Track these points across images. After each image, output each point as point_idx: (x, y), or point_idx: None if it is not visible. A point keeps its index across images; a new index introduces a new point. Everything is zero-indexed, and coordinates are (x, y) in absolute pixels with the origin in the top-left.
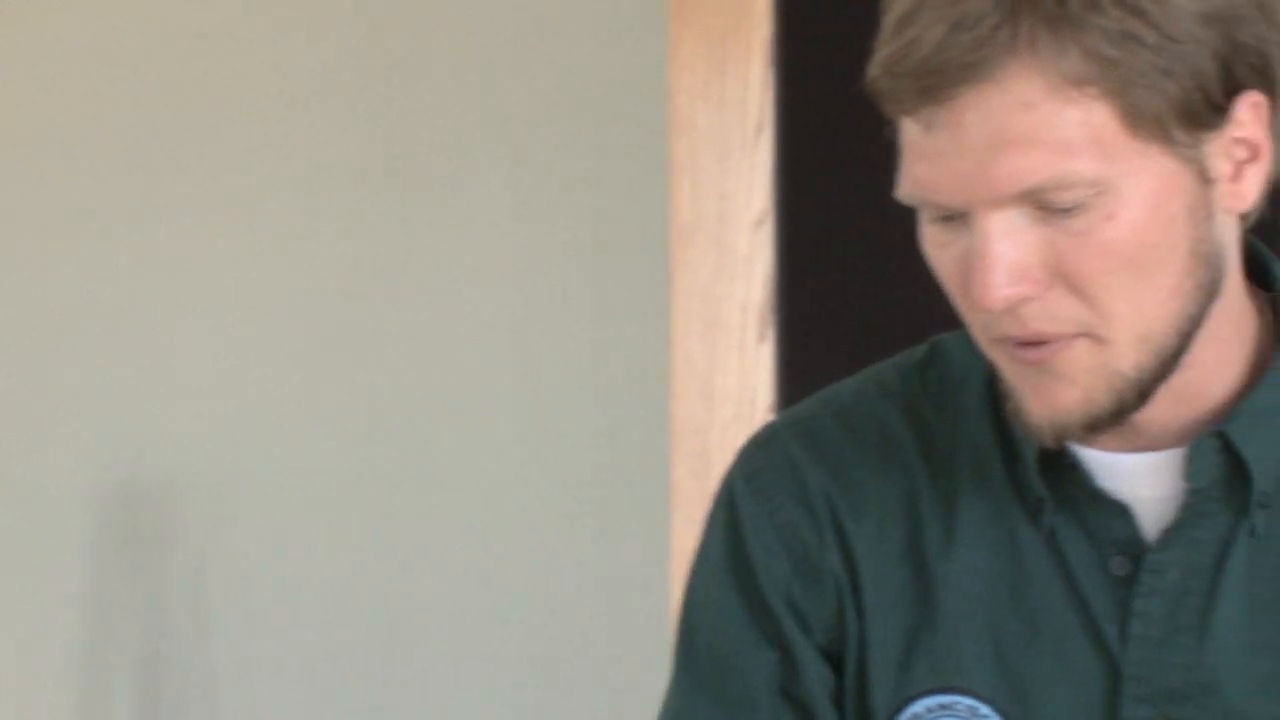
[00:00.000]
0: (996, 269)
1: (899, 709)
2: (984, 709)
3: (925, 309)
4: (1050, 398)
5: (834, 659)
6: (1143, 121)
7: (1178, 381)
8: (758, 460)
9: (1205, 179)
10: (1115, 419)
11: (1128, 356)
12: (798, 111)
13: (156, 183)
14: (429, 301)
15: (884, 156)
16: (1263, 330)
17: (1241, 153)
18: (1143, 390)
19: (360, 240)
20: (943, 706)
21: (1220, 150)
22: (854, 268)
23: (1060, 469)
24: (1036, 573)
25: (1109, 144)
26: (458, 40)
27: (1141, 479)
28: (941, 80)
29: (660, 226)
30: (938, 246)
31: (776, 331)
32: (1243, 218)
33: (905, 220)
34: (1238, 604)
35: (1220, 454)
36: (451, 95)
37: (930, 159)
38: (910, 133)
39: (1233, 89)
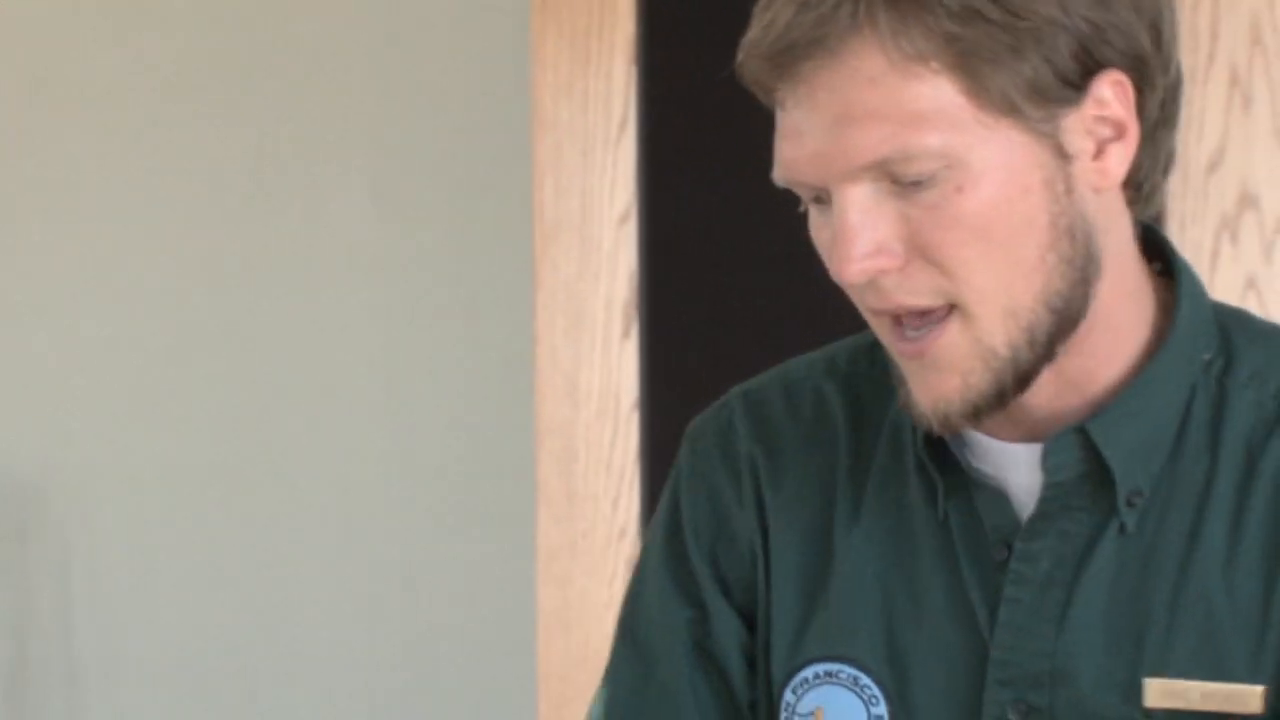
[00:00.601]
0: (853, 242)
1: (791, 674)
2: (865, 679)
3: (787, 303)
4: (932, 387)
5: (750, 620)
6: (990, 97)
7: (1068, 367)
8: (705, 424)
9: (1063, 154)
10: (997, 402)
11: (997, 333)
12: (661, 108)
13: (12, 180)
14: (290, 299)
15: (746, 153)
16: (1162, 320)
17: (1105, 131)
18: (1020, 372)
19: (221, 238)
20: (828, 674)
21: (1080, 127)
22: (718, 263)
23: (947, 454)
24: (927, 552)
25: (954, 118)
26: (319, 37)
27: (1020, 467)
28: (789, 58)
29: (524, 223)
30: (816, 230)
31: (641, 327)
32: (1138, 202)
33: (767, 216)
34: (1099, 598)
35: (1081, 450)
36: (313, 92)
37: (790, 138)
38: (778, 116)
39: (1092, 68)
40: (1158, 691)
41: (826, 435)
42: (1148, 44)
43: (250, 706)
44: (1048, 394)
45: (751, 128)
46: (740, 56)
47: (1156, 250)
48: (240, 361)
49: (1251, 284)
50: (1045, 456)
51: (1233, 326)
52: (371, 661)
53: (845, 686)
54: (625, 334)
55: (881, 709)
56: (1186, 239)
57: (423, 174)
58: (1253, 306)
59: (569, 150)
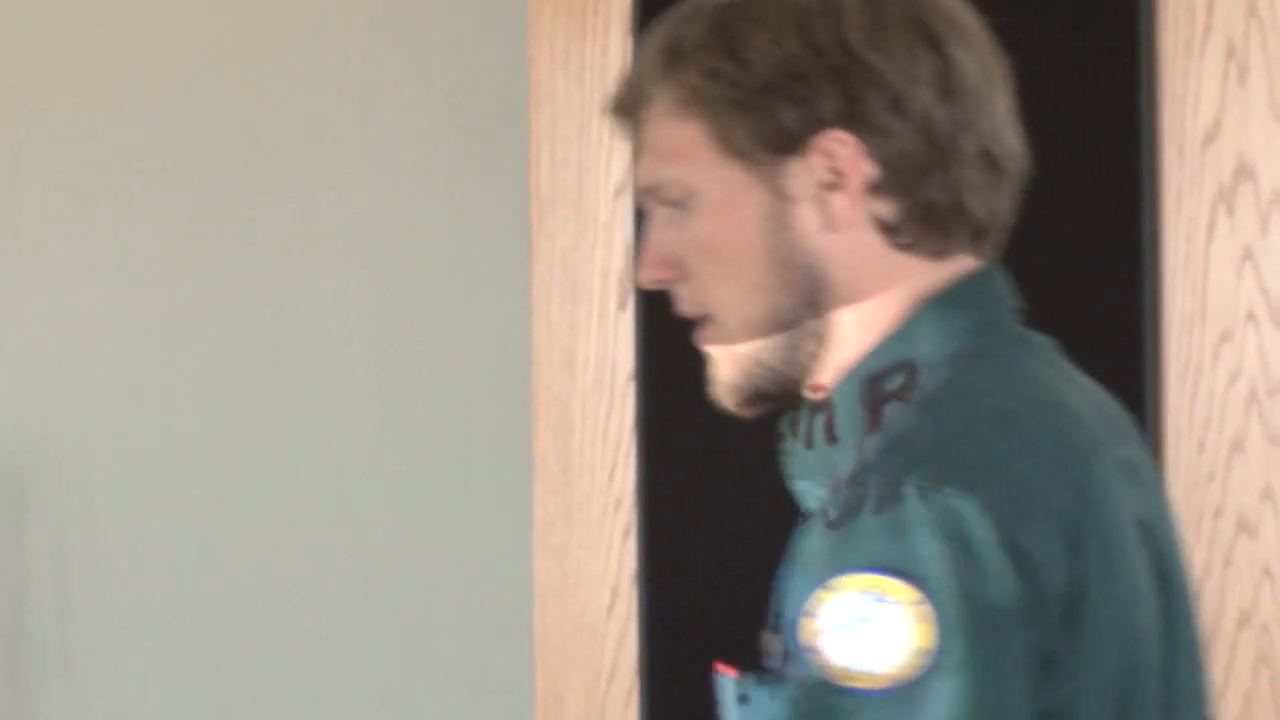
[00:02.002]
0: (643, 255)
1: None
2: None
3: None
4: (715, 376)
5: None
6: (728, 142)
7: (827, 370)
8: None
9: (784, 196)
10: (759, 395)
11: (738, 339)
12: None
13: (6, 159)
14: (287, 273)
15: None
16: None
17: (827, 179)
18: (769, 371)
19: (217, 214)
20: None
21: (802, 174)
22: None
23: None
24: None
25: (697, 156)
26: (314, 13)
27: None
28: (625, 116)
29: (520, 195)
30: None
31: (637, 299)
32: (917, 246)
33: None
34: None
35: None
36: (309, 68)
37: (636, 167)
38: None
39: (816, 126)
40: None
41: None
42: (881, 111)
43: (246, 682)
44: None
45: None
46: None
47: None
48: (236, 337)
49: (1248, 255)
50: (781, 440)
51: (931, 399)
52: (368, 634)
53: None
54: (621, 305)
55: None
56: (1183, 211)
57: (419, 147)
58: (1249, 279)
59: (565, 123)
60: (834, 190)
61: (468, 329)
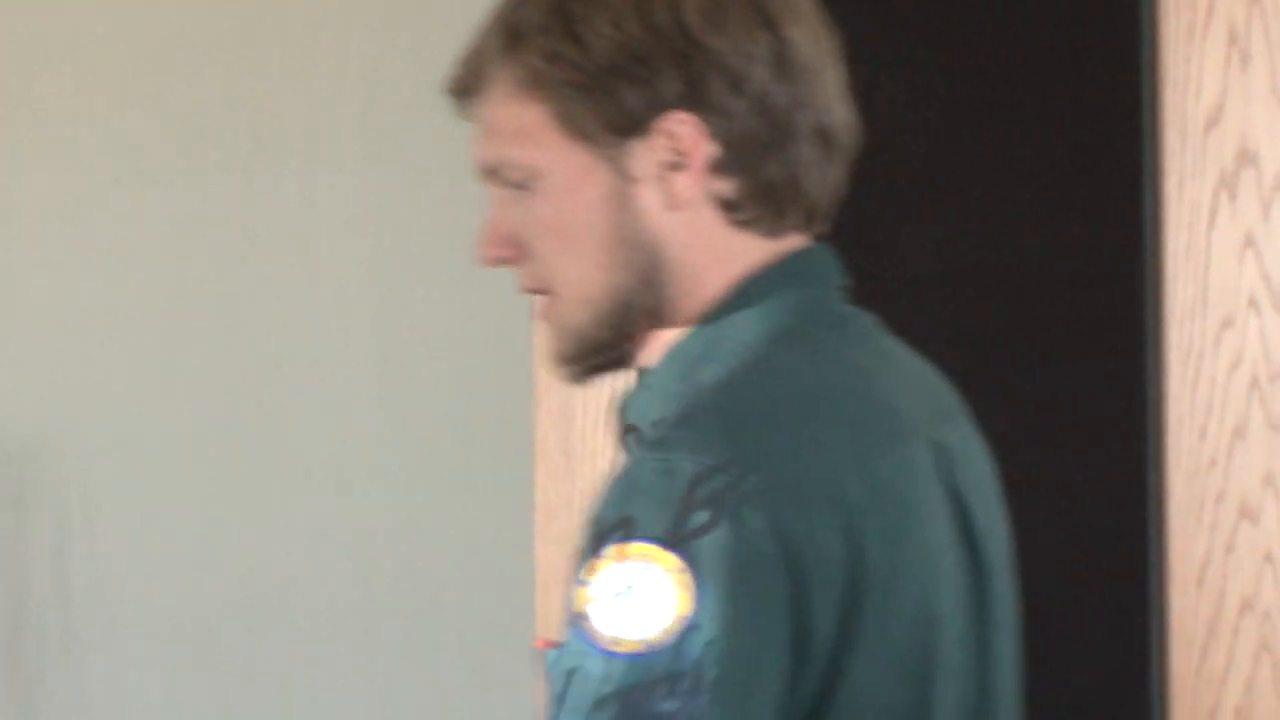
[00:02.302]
0: (482, 234)
1: None
2: None
3: None
4: (550, 347)
5: None
6: (571, 124)
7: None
8: None
9: (627, 177)
10: (586, 368)
11: (575, 315)
12: None
13: (8, 145)
14: (287, 261)
15: None
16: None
17: (669, 160)
18: (599, 347)
19: (218, 203)
20: None
21: (645, 156)
22: None
23: None
24: None
25: (541, 137)
26: (315, 2)
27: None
28: (463, 96)
29: None
30: None
31: None
32: (757, 223)
33: None
34: None
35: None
36: (310, 56)
37: (473, 147)
38: None
39: (659, 107)
40: None
41: None
42: (721, 91)
43: (247, 670)
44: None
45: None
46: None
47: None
48: (236, 325)
49: (1250, 242)
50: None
51: (733, 380)
52: (369, 621)
53: None
54: None
55: None
56: (1184, 197)
57: (420, 138)
58: (1251, 265)
59: None
60: (676, 170)
61: (469, 317)
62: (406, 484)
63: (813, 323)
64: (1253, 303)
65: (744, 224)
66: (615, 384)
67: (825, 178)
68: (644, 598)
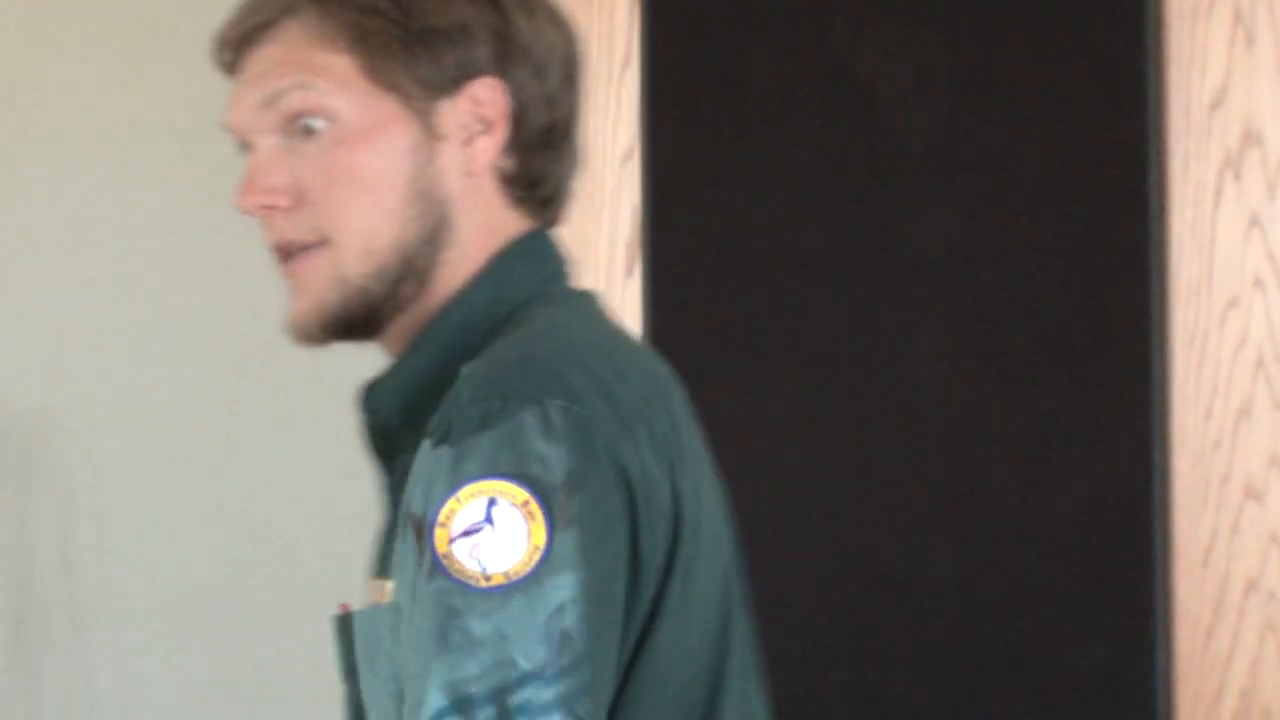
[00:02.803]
0: (253, 180)
1: None
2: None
3: (789, 238)
4: (296, 305)
5: None
6: (379, 75)
7: (410, 320)
8: None
9: (434, 134)
10: (347, 325)
11: (353, 265)
12: (665, 46)
13: (11, 118)
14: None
15: (749, 91)
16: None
17: (475, 125)
18: (368, 303)
19: (222, 177)
20: None
21: (453, 116)
22: (721, 201)
23: None
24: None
25: (348, 86)
26: None
27: (362, 404)
28: (244, 44)
29: None
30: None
31: (644, 265)
32: (528, 203)
33: (770, 154)
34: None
35: (367, 401)
36: None
37: (232, 100)
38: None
39: (471, 71)
40: (371, 587)
41: None
42: (525, 74)
43: (251, 645)
44: (399, 340)
45: (756, 67)
46: (213, 47)
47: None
48: (240, 298)
49: (1255, 221)
50: (358, 403)
51: (521, 317)
52: None
53: None
54: (629, 272)
55: None
56: (1189, 177)
57: None
58: (1256, 245)
59: None
60: (479, 136)
61: None
62: None
63: (561, 291)
64: (1258, 282)
65: (515, 202)
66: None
67: (569, 172)
68: (500, 532)
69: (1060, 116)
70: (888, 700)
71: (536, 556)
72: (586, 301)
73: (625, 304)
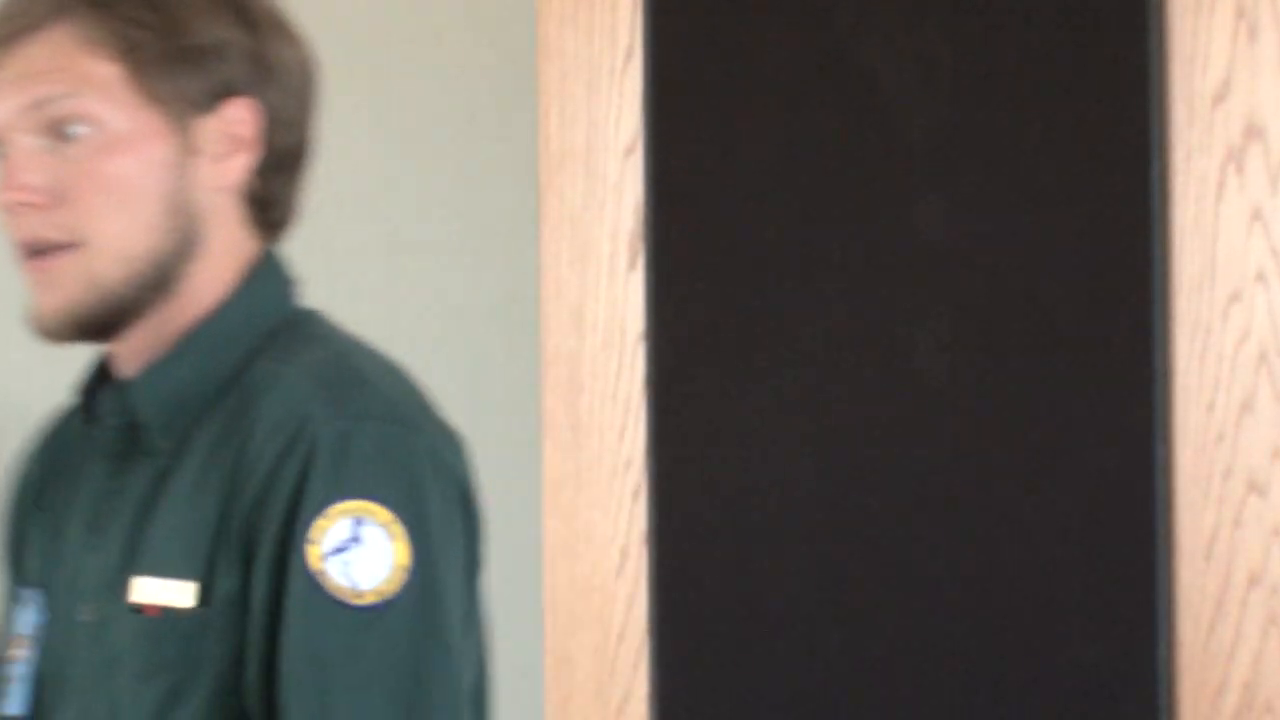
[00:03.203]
0: (11, 178)
1: None
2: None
3: (793, 233)
4: (44, 302)
5: None
6: (143, 86)
7: (157, 326)
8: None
9: (190, 149)
10: (95, 326)
11: (108, 269)
12: (667, 38)
13: None
14: (291, 233)
15: (753, 84)
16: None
17: (228, 142)
18: (118, 307)
19: None
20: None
21: (210, 133)
22: (724, 194)
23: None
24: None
25: (113, 94)
26: None
27: (109, 404)
28: (5, 33)
29: (529, 153)
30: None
31: (647, 259)
32: (264, 224)
33: (774, 147)
34: (124, 521)
35: (118, 401)
36: (315, 21)
37: None
38: None
39: (227, 91)
40: (136, 587)
41: None
42: (277, 98)
43: None
44: (141, 346)
45: (759, 59)
46: None
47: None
48: None
49: (1257, 215)
50: (103, 402)
51: (291, 330)
52: None
53: None
54: (631, 265)
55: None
56: (1192, 170)
57: (426, 104)
58: (1258, 239)
59: (574, 80)
60: (231, 154)
61: (475, 287)
62: None
63: (314, 312)
64: (1260, 276)
65: (251, 220)
66: (622, 360)
67: (300, 195)
68: (368, 550)
69: (1063, 110)
70: (886, 692)
71: (404, 576)
72: (327, 319)
73: (627, 297)
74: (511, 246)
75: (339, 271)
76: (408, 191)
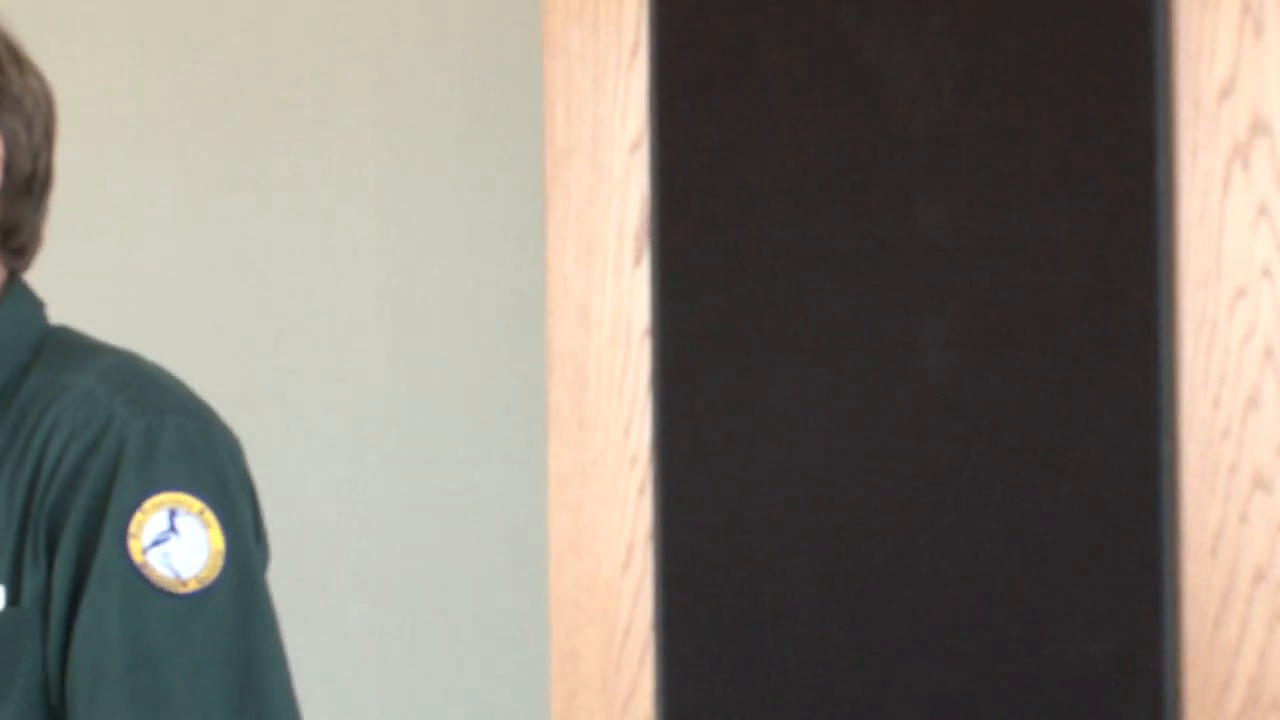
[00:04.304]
0: None
1: None
2: None
3: (800, 229)
4: None
5: None
6: None
7: None
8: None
9: None
10: None
11: None
12: (674, 33)
13: None
14: (299, 226)
15: (759, 80)
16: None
17: None
18: None
19: (229, 165)
20: None
21: None
22: (731, 190)
23: None
24: None
25: None
26: None
27: None
28: None
29: (535, 149)
30: None
31: (652, 255)
32: (7, 249)
33: (780, 143)
34: None
35: None
36: (322, 20)
37: None
38: None
39: None
40: None
41: None
42: (20, 126)
43: None
44: None
45: (764, 55)
46: None
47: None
48: (248, 290)
49: (1263, 211)
50: None
51: (55, 345)
52: (381, 590)
53: None
54: (637, 261)
55: None
56: (1198, 166)
57: (433, 100)
58: (1264, 234)
59: (580, 76)
60: None
61: (481, 283)
62: (419, 450)
63: (71, 329)
64: (1266, 272)
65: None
66: (628, 356)
67: (42, 222)
68: (186, 540)
69: (1068, 106)
70: (892, 689)
71: (221, 561)
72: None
73: (633, 293)
74: (517, 243)
75: (343, 270)
76: (414, 187)
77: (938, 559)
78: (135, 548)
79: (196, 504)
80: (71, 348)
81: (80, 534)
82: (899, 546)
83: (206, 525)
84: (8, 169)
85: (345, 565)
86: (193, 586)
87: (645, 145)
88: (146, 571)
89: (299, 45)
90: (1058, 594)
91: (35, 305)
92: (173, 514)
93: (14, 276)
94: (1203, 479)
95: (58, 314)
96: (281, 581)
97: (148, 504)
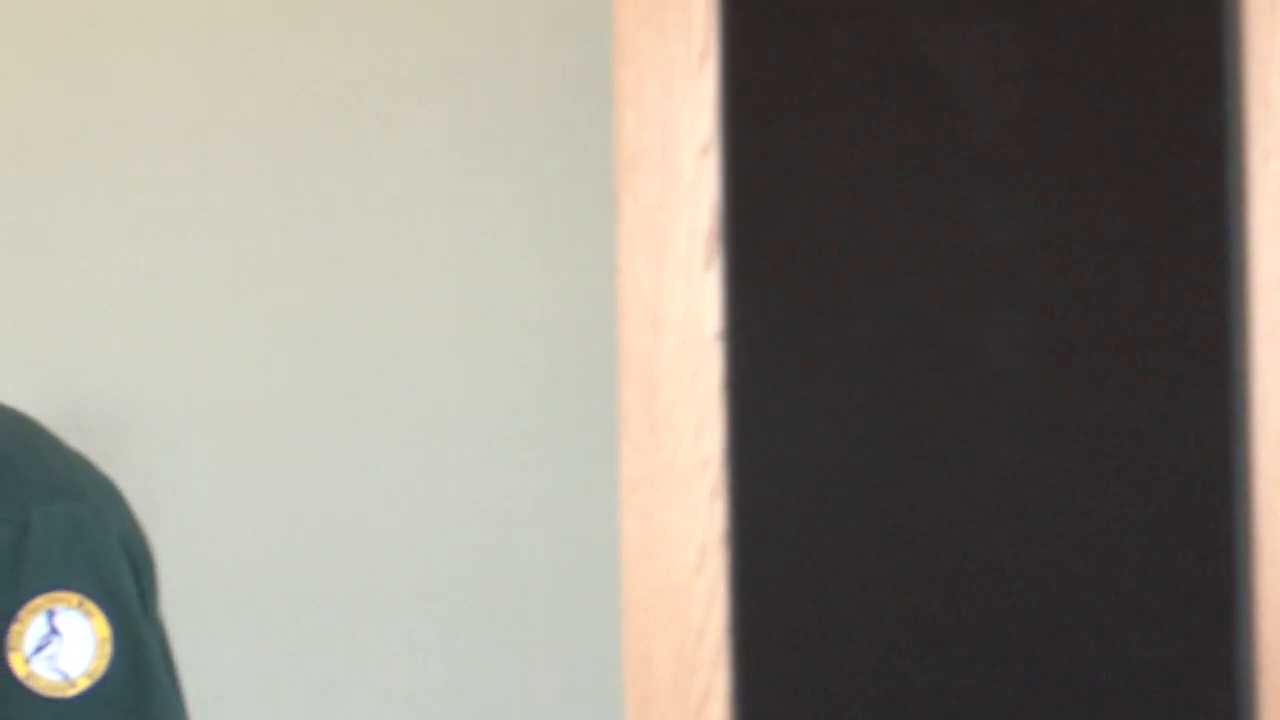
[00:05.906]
0: None
1: None
2: None
3: (870, 232)
4: None
5: None
6: None
7: None
8: None
9: None
10: None
11: None
12: (743, 38)
13: (89, 108)
14: (368, 230)
15: (829, 84)
16: None
17: None
18: None
19: (298, 169)
20: None
21: None
22: (800, 193)
23: None
24: None
25: None
26: None
27: None
28: None
29: (605, 153)
30: None
31: (723, 258)
32: None
33: (850, 146)
34: None
35: None
36: (391, 22)
37: None
38: None
39: None
40: None
41: None
42: None
43: (327, 636)
44: None
45: (832, 59)
46: None
47: None
48: (319, 294)
49: None
50: None
51: None
52: (452, 594)
53: None
54: (707, 265)
55: None
56: (1270, 171)
57: (502, 105)
58: None
59: (650, 80)
60: None
61: (552, 288)
62: (489, 455)
63: None
64: None
65: None
66: (699, 360)
67: None
68: (69, 638)
69: (1138, 110)
70: (964, 692)
71: (109, 650)
72: None
73: (703, 297)
74: (587, 247)
75: (415, 274)
76: (484, 193)
77: (1009, 563)
78: (17, 661)
79: (74, 597)
80: None
81: None
82: (971, 550)
83: (88, 615)
84: None
85: (414, 571)
86: (83, 685)
87: (715, 149)
88: (33, 684)
89: (369, 51)
90: (1130, 599)
91: None
92: (51, 615)
93: None
94: (1276, 483)
95: (127, 313)
96: (352, 585)
97: (22, 613)
